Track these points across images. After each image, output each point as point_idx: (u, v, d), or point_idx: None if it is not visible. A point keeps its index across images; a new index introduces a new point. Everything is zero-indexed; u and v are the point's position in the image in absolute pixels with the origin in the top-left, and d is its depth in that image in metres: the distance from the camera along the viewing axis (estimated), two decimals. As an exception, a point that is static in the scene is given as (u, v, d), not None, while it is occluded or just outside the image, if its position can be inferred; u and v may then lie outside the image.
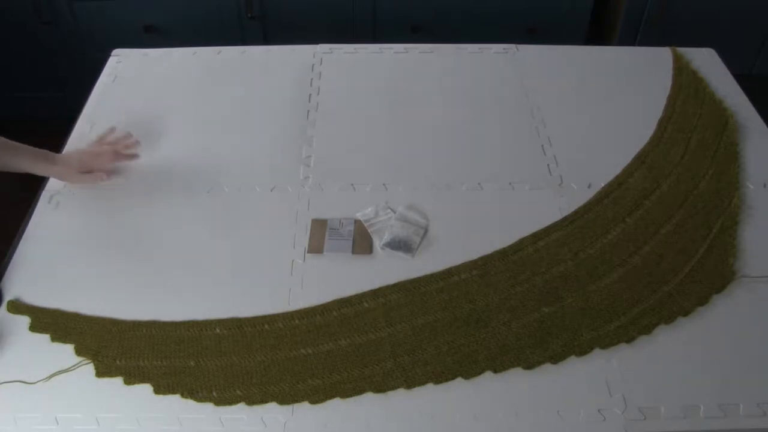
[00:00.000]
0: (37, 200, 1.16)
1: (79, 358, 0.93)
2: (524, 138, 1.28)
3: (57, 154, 1.15)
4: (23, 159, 1.10)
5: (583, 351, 0.94)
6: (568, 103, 1.36)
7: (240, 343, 0.95)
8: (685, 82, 1.40)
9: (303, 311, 0.98)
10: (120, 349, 0.94)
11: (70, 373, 0.91)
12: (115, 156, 1.18)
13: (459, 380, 0.91)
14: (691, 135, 1.27)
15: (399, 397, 0.90)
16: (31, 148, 1.11)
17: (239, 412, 0.88)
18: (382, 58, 1.48)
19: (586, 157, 1.24)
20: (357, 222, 1.11)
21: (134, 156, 1.20)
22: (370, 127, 1.31)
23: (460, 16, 2.07)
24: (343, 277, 1.03)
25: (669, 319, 0.97)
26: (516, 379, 0.92)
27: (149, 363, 0.92)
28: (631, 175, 1.19)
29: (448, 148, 1.26)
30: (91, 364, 0.92)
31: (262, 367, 0.92)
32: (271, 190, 1.17)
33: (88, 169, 1.15)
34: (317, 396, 0.89)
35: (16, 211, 1.19)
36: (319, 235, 1.09)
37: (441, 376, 0.91)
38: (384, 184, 1.18)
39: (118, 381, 0.91)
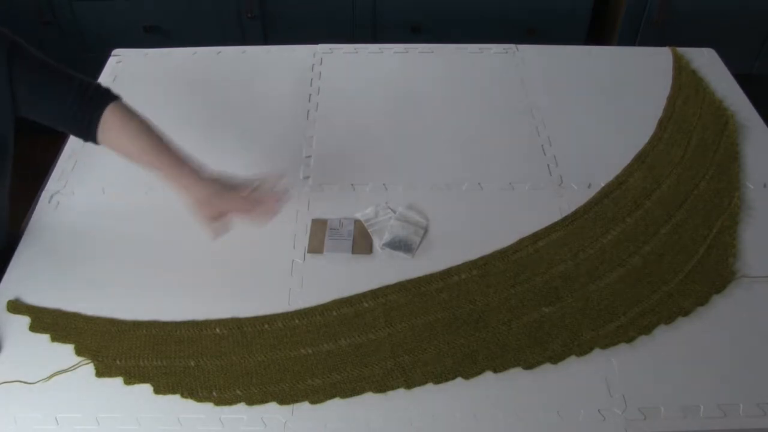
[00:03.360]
0: (37, 200, 1.16)
1: (79, 358, 0.93)
2: (524, 138, 1.28)
3: (201, 178, 0.97)
4: (160, 165, 0.97)
5: (583, 351, 0.94)
6: (568, 103, 1.36)
7: (240, 343, 0.95)
8: (685, 82, 1.40)
9: (303, 311, 0.98)
10: (120, 349, 0.94)
11: (70, 373, 0.91)
12: (251, 208, 0.96)
13: (459, 380, 0.91)
14: (691, 135, 1.27)
15: (399, 397, 0.90)
16: (178, 159, 0.98)
17: (239, 412, 0.88)
18: (382, 58, 1.48)
19: (586, 157, 1.24)
20: (357, 222, 1.11)
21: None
22: (370, 127, 1.30)
23: (460, 16, 2.06)
24: (343, 277, 1.03)
25: (669, 319, 0.97)
26: (516, 379, 0.92)
27: (149, 363, 0.92)
28: (631, 175, 1.19)
29: (448, 148, 1.26)
30: (91, 364, 0.92)
31: (261, 367, 0.92)
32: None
33: (217, 210, 0.96)
34: (317, 396, 0.89)
35: (16, 210, 1.19)
36: (319, 235, 1.09)
37: (441, 376, 0.91)
38: (384, 184, 1.18)
39: (118, 381, 0.91)
